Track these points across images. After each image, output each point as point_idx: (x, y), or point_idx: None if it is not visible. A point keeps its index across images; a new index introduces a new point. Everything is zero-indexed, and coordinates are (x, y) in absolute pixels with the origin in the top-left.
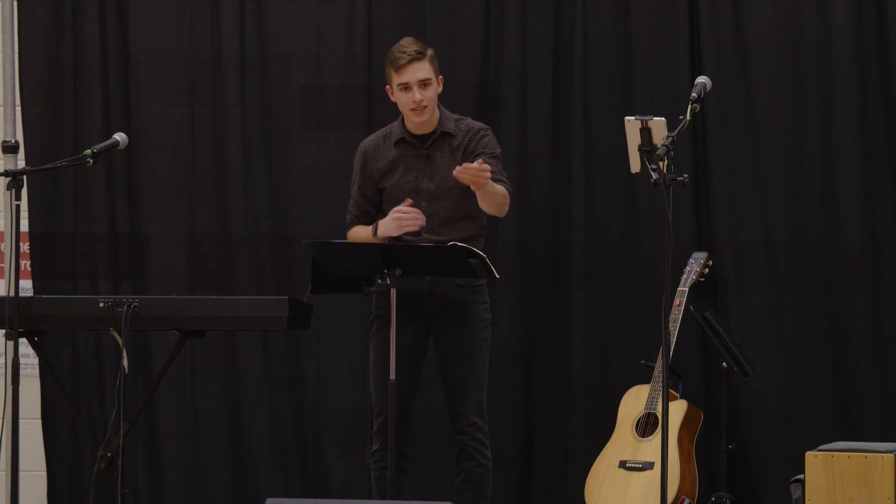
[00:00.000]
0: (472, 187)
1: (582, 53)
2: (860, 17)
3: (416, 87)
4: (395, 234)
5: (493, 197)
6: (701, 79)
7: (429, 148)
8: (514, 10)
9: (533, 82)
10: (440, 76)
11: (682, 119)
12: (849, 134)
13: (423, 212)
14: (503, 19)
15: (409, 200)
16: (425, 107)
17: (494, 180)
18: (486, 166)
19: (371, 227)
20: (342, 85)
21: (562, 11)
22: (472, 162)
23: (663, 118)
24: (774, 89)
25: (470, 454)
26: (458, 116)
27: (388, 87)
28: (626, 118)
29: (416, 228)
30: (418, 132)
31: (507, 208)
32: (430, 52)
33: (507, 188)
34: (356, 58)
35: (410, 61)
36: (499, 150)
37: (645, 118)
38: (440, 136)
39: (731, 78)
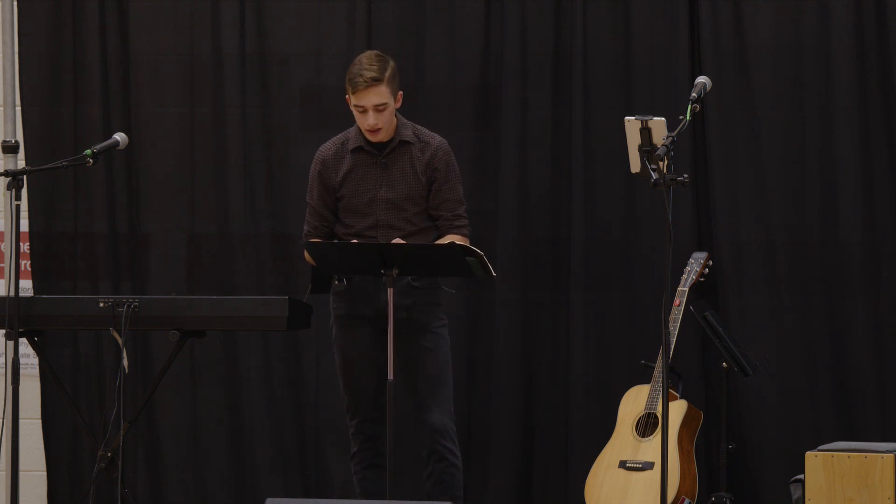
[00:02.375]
0: None
1: (582, 53)
2: (860, 17)
3: (370, 111)
4: None
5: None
6: (701, 79)
7: (386, 157)
8: (514, 10)
9: (533, 82)
10: (400, 92)
11: (682, 119)
12: (849, 134)
13: (382, 221)
14: (503, 19)
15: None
16: (380, 129)
17: (452, 219)
18: None
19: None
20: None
21: (562, 11)
22: (434, 176)
23: (663, 118)
24: (774, 89)
25: (440, 455)
26: (414, 124)
27: (347, 96)
28: (626, 118)
29: None
30: (376, 140)
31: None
32: (388, 73)
33: (462, 233)
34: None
35: (367, 87)
36: (457, 170)
37: (645, 118)
38: (399, 145)
39: (731, 78)
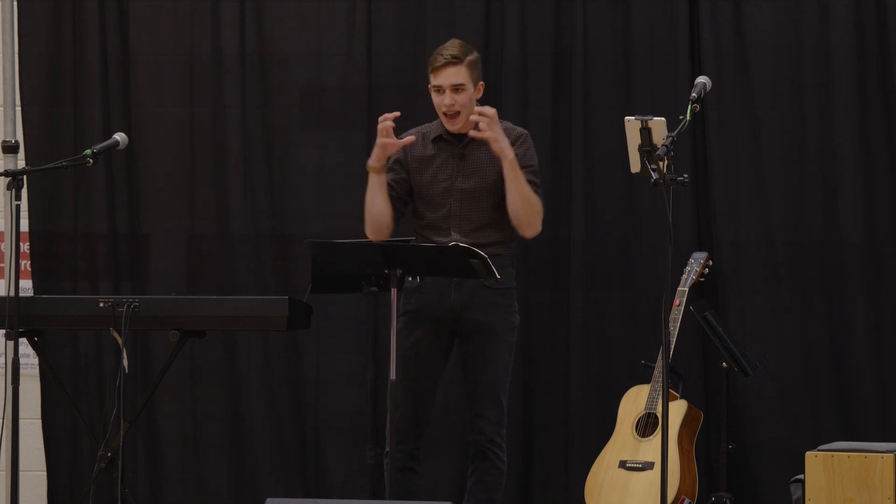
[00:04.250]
0: (487, 140)
1: (582, 53)
2: (860, 17)
3: (448, 91)
4: (381, 151)
5: (521, 191)
6: (701, 79)
7: (465, 147)
8: (515, 10)
9: (533, 82)
10: (481, 82)
11: (682, 119)
12: (849, 134)
13: (455, 212)
14: (503, 19)
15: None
16: (458, 112)
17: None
18: (486, 115)
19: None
20: (342, 85)
21: (562, 11)
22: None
23: (663, 118)
24: (774, 89)
25: (485, 455)
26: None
27: (429, 85)
28: (626, 118)
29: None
30: (453, 128)
31: (534, 218)
32: (470, 57)
33: (539, 197)
34: (356, 58)
35: (445, 65)
36: (535, 161)
37: (645, 118)
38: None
39: (731, 78)
